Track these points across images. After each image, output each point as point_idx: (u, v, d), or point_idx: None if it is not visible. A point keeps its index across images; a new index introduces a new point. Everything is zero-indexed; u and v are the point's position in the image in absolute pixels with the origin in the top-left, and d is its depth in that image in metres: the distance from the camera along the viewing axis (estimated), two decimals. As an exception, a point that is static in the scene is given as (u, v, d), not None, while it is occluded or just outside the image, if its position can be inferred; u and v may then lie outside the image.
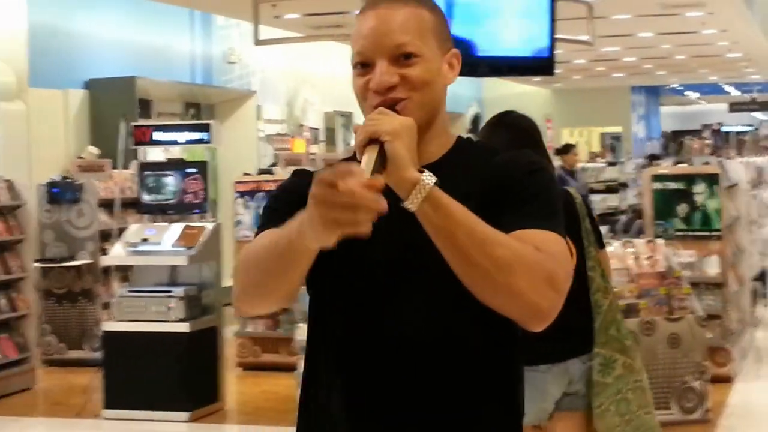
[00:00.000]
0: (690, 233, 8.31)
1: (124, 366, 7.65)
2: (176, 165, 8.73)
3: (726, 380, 8.04)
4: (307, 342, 2.07)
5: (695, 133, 33.23)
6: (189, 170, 8.25)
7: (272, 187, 8.96)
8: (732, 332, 8.36)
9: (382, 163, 1.79)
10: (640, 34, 19.06)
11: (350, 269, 1.97)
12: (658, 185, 8.38)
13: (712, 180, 8.34)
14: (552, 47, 8.23)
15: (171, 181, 8.19)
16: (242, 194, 9.78)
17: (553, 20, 8.27)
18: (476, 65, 8.42)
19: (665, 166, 11.19)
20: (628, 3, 15.24)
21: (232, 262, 8.18)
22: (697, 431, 6.87)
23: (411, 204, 1.79)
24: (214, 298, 7.90)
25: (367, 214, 1.66)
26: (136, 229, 8.12)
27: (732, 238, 8.83)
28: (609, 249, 7.07)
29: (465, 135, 2.14)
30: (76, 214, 9.88)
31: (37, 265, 9.51)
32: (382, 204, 1.67)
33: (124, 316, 7.68)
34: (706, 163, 9.95)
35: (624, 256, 7.11)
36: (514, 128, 3.88)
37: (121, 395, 7.66)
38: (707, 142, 25.20)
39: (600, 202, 16.15)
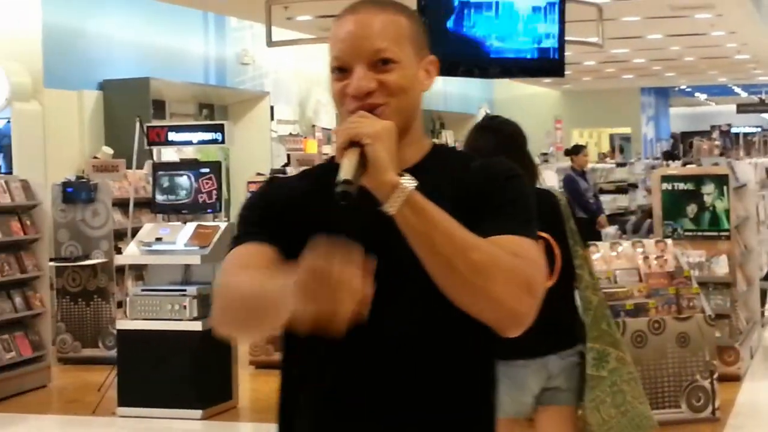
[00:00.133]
0: (699, 233, 8.34)
1: (138, 364, 7.67)
2: (190, 165, 8.77)
3: (734, 379, 8.07)
4: (285, 344, 2.06)
5: (704, 134, 33.21)
6: (202, 170, 8.26)
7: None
8: (740, 331, 8.40)
9: (362, 166, 1.79)
10: (649, 36, 19.10)
11: None
12: (667, 186, 8.41)
13: (720, 181, 8.36)
14: (562, 49, 8.30)
15: (185, 181, 8.21)
16: (255, 194, 9.81)
17: (563, 22, 8.34)
18: (488, 67, 8.50)
19: (674, 167, 11.24)
20: (637, 5, 15.28)
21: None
22: (706, 430, 6.89)
23: (390, 207, 1.79)
24: (227, 296, 7.92)
25: (347, 313, 1.67)
26: (150, 228, 8.14)
27: (740, 238, 8.86)
28: (619, 249, 7.20)
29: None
30: (91, 213, 9.93)
31: (52, 264, 9.54)
32: (364, 307, 1.69)
33: (138, 315, 7.70)
34: (715, 164, 9.99)
35: (633, 256, 7.15)
36: (500, 133, 3.96)
37: (135, 393, 7.68)
38: (716, 143, 25.18)
39: (610, 203, 16.17)
